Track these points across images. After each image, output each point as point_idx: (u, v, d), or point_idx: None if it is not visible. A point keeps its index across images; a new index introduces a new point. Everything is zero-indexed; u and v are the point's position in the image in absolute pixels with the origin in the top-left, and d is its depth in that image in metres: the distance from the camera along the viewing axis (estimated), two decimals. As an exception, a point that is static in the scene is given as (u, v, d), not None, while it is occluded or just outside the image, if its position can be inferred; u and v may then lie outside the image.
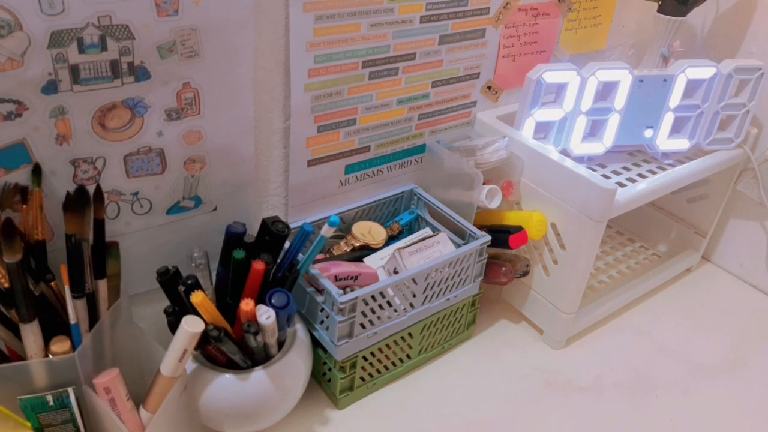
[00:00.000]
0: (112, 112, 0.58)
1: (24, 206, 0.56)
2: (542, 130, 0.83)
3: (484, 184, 0.79)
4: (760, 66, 0.85)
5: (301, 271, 0.66)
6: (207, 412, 0.63)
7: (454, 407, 0.76)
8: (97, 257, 0.58)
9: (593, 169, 0.83)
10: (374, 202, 0.84)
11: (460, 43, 0.79)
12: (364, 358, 0.72)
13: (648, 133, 0.84)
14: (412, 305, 0.73)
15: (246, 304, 0.58)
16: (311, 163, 0.75)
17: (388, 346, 0.74)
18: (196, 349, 0.61)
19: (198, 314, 0.57)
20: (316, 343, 0.71)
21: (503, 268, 0.81)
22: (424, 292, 0.73)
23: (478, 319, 0.85)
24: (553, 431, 0.74)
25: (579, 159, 0.82)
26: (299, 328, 0.69)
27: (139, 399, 0.58)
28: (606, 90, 0.82)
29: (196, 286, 0.58)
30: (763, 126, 0.93)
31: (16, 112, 0.53)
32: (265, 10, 0.62)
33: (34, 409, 0.54)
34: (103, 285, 0.59)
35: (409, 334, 0.75)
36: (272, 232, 0.62)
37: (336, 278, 0.70)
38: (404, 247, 0.75)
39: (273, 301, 0.60)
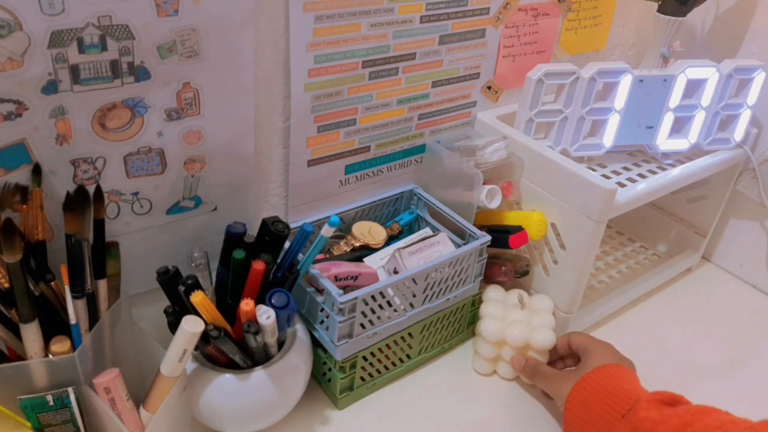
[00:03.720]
0: (112, 112, 0.58)
1: (24, 206, 0.56)
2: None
3: (484, 184, 0.79)
4: (760, 66, 0.85)
5: (301, 271, 0.66)
6: (207, 412, 0.63)
7: (454, 407, 0.76)
8: (97, 257, 0.58)
9: (593, 169, 0.83)
10: (374, 202, 0.84)
11: (460, 43, 0.79)
12: (364, 358, 0.72)
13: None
14: (412, 305, 0.73)
15: (246, 304, 0.58)
16: (311, 163, 0.75)
17: (388, 346, 0.74)
18: (196, 349, 0.61)
19: (198, 314, 0.57)
20: (316, 343, 0.71)
21: (503, 268, 0.81)
22: (424, 292, 0.73)
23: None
24: (553, 431, 0.74)
25: (579, 159, 0.82)
26: (299, 328, 0.69)
27: (139, 399, 0.58)
28: (606, 90, 0.82)
29: (196, 286, 0.58)
30: (763, 126, 0.93)
31: (16, 112, 0.53)
32: (265, 10, 0.62)
33: (34, 409, 0.54)
34: (103, 285, 0.59)
35: (409, 334, 0.75)
36: (272, 232, 0.62)
37: (336, 278, 0.70)
38: (404, 247, 0.75)
39: (273, 301, 0.60)
